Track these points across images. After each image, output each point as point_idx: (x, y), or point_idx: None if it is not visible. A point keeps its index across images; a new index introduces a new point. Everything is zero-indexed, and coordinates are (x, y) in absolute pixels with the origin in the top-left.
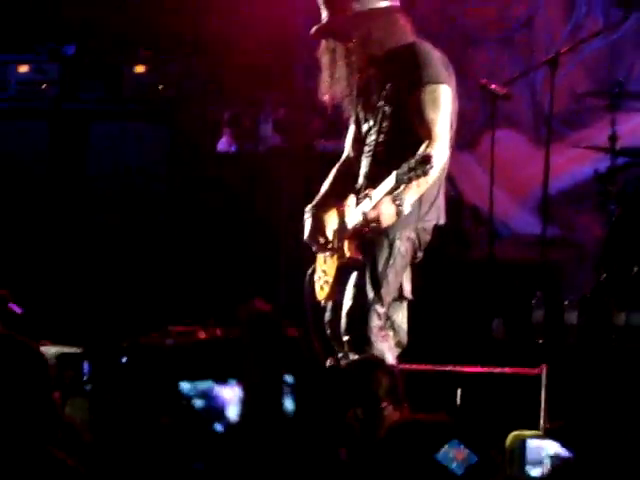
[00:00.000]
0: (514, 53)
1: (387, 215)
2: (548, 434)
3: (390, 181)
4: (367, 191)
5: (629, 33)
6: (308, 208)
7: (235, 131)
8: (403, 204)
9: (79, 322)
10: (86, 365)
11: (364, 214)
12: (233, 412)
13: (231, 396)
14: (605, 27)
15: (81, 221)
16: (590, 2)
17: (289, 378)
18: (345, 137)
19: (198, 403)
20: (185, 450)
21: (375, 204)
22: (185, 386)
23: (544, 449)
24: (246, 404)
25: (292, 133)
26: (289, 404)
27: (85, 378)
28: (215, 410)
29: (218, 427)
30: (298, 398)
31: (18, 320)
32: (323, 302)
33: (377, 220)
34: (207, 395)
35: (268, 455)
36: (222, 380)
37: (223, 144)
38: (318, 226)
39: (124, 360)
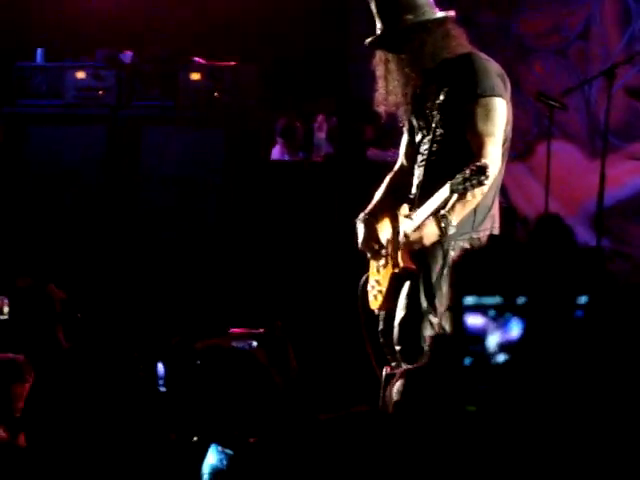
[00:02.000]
0: (569, 64)
1: (430, 236)
2: None
3: (444, 192)
4: (410, 213)
5: None
6: (361, 216)
7: (288, 140)
8: (448, 225)
9: (143, 325)
10: (160, 366)
11: (406, 236)
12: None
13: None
14: None
15: (136, 226)
16: None
17: (582, 298)
18: (398, 146)
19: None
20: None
21: (418, 225)
22: (469, 300)
23: None
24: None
25: (345, 142)
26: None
27: (159, 380)
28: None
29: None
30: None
31: (81, 324)
32: (376, 311)
33: (419, 242)
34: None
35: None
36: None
37: (276, 153)
38: (372, 233)
39: (198, 362)
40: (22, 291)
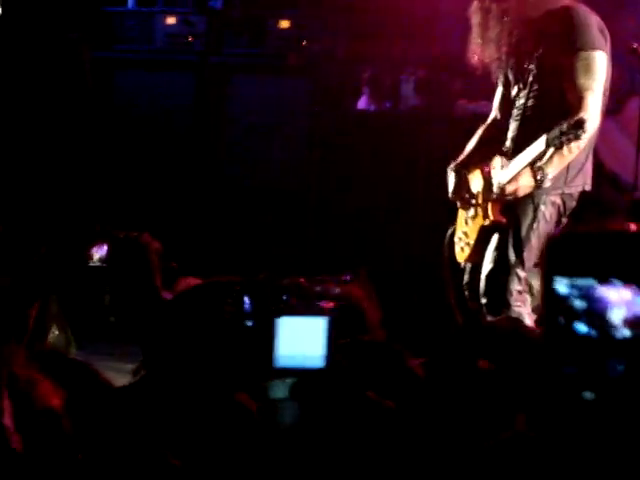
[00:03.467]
0: None
1: (525, 188)
2: None
3: (539, 145)
4: (505, 164)
5: None
6: (452, 166)
7: (375, 90)
8: (545, 178)
9: (231, 262)
10: (247, 299)
11: (501, 187)
12: (618, 316)
13: (616, 298)
14: None
15: (220, 172)
16: None
17: None
18: (491, 99)
19: (577, 304)
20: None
21: (514, 176)
22: (561, 282)
23: None
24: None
25: (433, 94)
26: None
27: (247, 312)
28: (596, 313)
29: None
30: None
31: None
32: (463, 263)
33: (514, 193)
34: (588, 295)
35: None
36: (604, 279)
37: (363, 102)
38: (463, 183)
39: (285, 298)
40: (120, 241)
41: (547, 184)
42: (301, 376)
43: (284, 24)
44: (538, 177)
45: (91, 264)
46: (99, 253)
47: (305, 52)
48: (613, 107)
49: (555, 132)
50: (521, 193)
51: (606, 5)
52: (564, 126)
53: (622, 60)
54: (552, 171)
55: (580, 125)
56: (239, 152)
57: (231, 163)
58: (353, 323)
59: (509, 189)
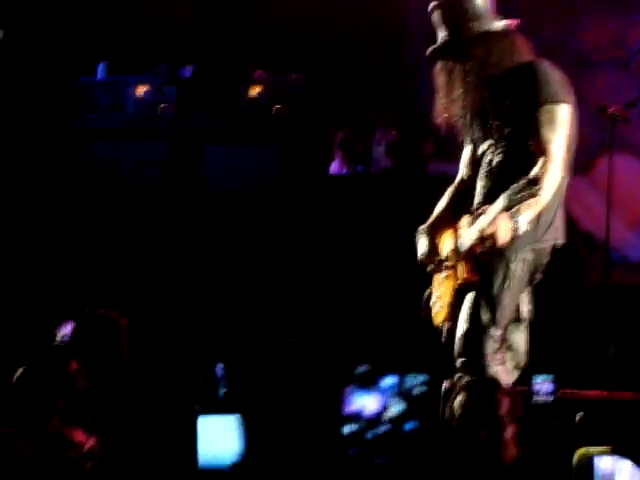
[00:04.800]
0: (632, 78)
1: (504, 231)
2: (617, 451)
3: (503, 201)
4: (483, 207)
5: None
6: (421, 228)
7: (347, 153)
8: (520, 222)
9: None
10: (219, 369)
11: (480, 230)
12: None
13: None
14: None
15: (197, 239)
16: None
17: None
18: (459, 159)
19: None
20: None
21: (492, 220)
22: None
23: (614, 466)
24: None
25: (405, 156)
26: None
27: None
28: None
29: None
30: None
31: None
32: (440, 325)
33: (493, 236)
34: None
35: None
36: None
37: (335, 167)
38: (433, 246)
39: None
40: (89, 318)
41: (524, 227)
42: None
43: (255, 90)
44: (514, 219)
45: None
46: (64, 331)
47: (276, 118)
48: (584, 165)
49: (513, 190)
50: (500, 238)
51: (572, 66)
52: (520, 184)
53: (591, 119)
54: (527, 217)
55: (535, 183)
56: (213, 219)
57: (206, 230)
58: None
59: (488, 231)
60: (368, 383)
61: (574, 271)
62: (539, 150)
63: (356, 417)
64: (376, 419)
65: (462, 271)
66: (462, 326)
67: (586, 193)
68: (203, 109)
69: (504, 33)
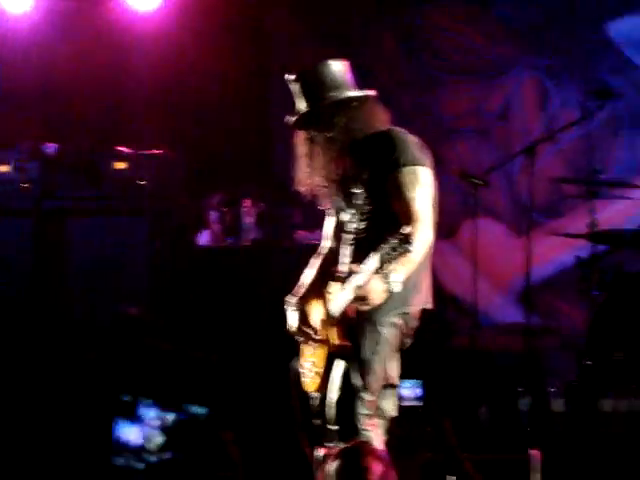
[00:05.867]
0: (491, 144)
1: (377, 292)
2: None
3: (373, 263)
4: (354, 267)
5: (604, 122)
6: (290, 300)
7: (216, 225)
8: (393, 281)
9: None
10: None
11: (354, 289)
12: None
13: None
14: (580, 117)
15: (61, 312)
16: (564, 94)
17: None
18: (322, 227)
19: None
20: None
21: (365, 280)
22: None
23: None
24: None
25: (273, 226)
26: None
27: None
28: None
29: None
30: None
31: None
32: (314, 393)
33: (366, 297)
34: None
35: None
36: None
37: (204, 238)
38: (303, 317)
39: None
40: None
41: (398, 287)
42: None
43: (119, 165)
44: (386, 279)
45: None
46: None
47: (142, 192)
48: (449, 230)
49: (385, 249)
50: (374, 299)
51: (432, 133)
52: (393, 242)
53: (454, 185)
54: (399, 276)
55: (406, 241)
56: (80, 294)
57: (73, 304)
58: None
59: (360, 292)
60: (131, 414)
61: (442, 334)
62: (405, 211)
63: (124, 447)
64: (141, 450)
65: (334, 337)
66: (335, 393)
67: (452, 257)
68: (67, 185)
69: (363, 101)
